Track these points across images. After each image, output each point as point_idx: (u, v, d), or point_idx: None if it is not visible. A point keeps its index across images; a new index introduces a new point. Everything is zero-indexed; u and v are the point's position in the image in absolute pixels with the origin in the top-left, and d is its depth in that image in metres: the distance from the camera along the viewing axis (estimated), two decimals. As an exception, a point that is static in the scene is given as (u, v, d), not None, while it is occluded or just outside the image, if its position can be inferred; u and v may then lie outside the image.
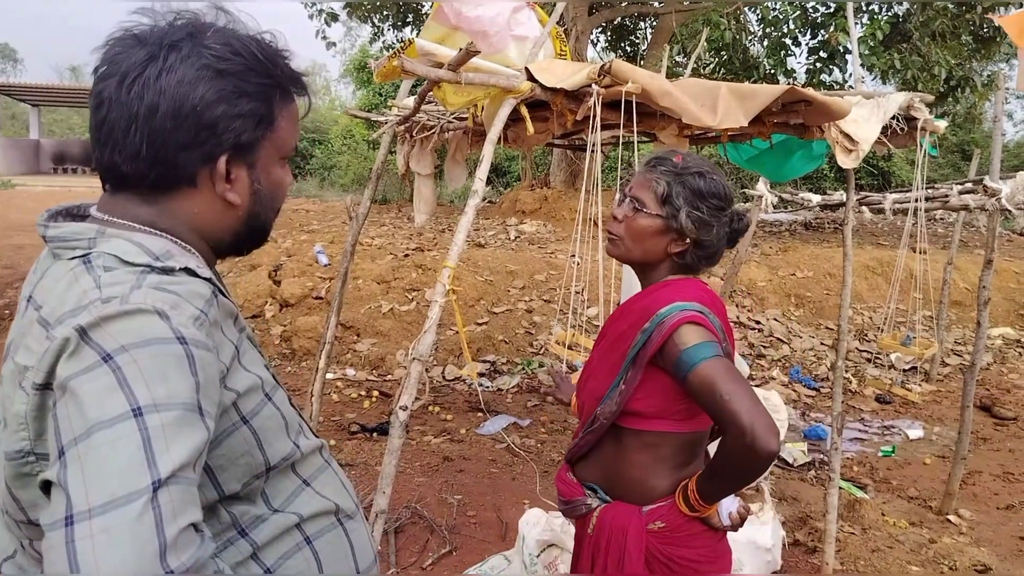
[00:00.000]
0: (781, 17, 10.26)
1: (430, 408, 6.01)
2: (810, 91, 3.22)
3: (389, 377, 6.82)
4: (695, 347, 1.59)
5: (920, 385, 7.01)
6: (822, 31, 9.97)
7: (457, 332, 7.35)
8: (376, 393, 6.30)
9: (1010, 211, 4.07)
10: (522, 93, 3.14)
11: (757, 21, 10.76)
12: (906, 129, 3.66)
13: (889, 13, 9.31)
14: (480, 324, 7.54)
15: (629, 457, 1.76)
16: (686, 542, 1.74)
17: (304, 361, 7.06)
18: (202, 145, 1.02)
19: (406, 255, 8.92)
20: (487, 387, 6.56)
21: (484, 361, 7.04)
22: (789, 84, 3.56)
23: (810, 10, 10.19)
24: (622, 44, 15.99)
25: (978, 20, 10.66)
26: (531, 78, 3.16)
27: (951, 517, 4.42)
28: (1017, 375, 7.59)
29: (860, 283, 9.16)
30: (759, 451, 1.47)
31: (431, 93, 3.59)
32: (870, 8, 9.53)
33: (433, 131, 4.45)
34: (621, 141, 3.04)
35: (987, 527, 4.36)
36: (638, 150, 3.01)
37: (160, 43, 1.01)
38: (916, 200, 3.69)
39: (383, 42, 16.33)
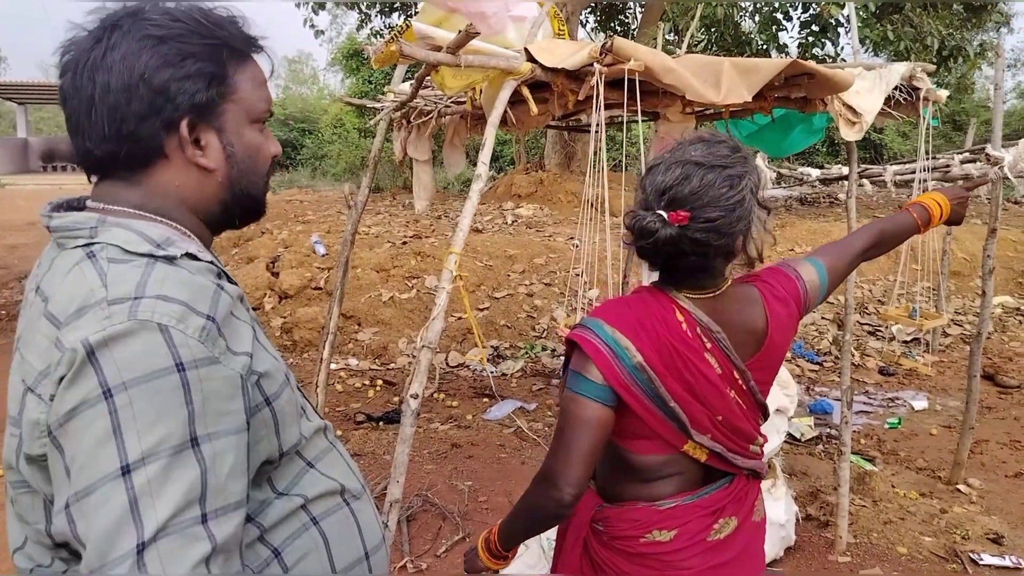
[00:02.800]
0: (773, -9, 10.18)
1: (435, 395, 6.00)
2: (813, 64, 3.19)
3: (392, 366, 6.80)
4: (574, 374, 1.53)
5: (923, 356, 7.02)
6: (814, 4, 9.89)
7: (460, 318, 7.34)
8: (380, 382, 6.28)
9: (1011, 179, 4.05)
10: (522, 75, 3.10)
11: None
12: (909, 99, 3.64)
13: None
14: (482, 310, 7.52)
15: (601, 453, 1.61)
16: (623, 551, 1.63)
17: (306, 352, 7.04)
18: (159, 112, 1.04)
19: (404, 243, 8.89)
20: (492, 372, 6.55)
21: (487, 346, 7.02)
22: (786, 58, 3.53)
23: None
24: (612, 24, 15.90)
25: (969, -12, 10.62)
26: (531, 59, 3.12)
27: (960, 487, 4.43)
28: (1018, 343, 7.60)
29: (859, 256, 9.15)
30: (547, 492, 1.51)
31: (429, 78, 3.55)
32: (862, -21, 9.46)
33: (431, 116, 4.41)
34: (625, 121, 3.01)
35: (997, 496, 4.37)
36: (643, 129, 2.99)
37: (102, 26, 1.04)
38: (920, 171, 3.66)
39: (371, 29, 16.19)
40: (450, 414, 5.57)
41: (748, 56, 9.88)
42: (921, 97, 3.61)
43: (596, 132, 3.02)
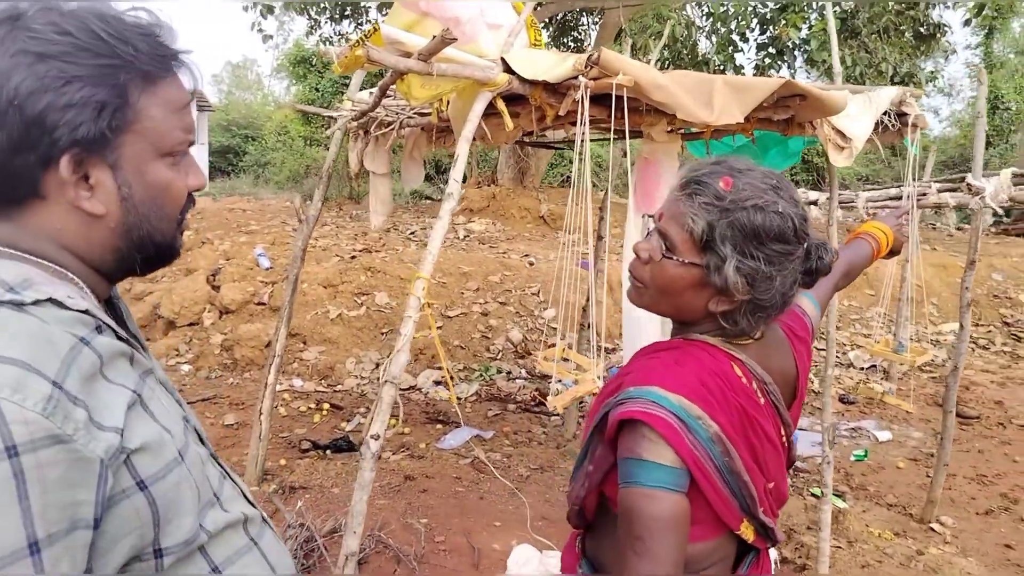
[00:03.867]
0: (729, 12, 10.15)
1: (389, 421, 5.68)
2: (806, 85, 3.02)
3: (339, 387, 6.46)
4: (635, 462, 1.19)
5: (882, 384, 6.95)
6: (771, 27, 9.90)
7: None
8: (327, 406, 5.93)
9: (994, 209, 3.95)
10: (499, 86, 2.86)
11: (705, 16, 10.65)
12: (896, 125, 3.50)
13: (838, 9, 9.27)
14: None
15: (613, 543, 1.32)
16: None
17: (247, 372, 6.65)
18: (35, 146, 0.85)
19: (353, 257, 8.54)
20: (443, 399, 6.25)
21: (439, 368, 6.72)
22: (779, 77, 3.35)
23: (759, 5, 10.12)
24: (564, 39, 15.78)
25: (920, 17, 10.76)
26: (508, 70, 2.88)
27: (934, 525, 4.30)
28: (973, 371, 7.61)
29: (813, 280, 9.12)
30: None
31: (393, 86, 3.28)
32: (820, 5, 9.49)
33: (392, 127, 4.13)
34: (613, 139, 2.77)
35: (970, 535, 4.25)
36: (629, 149, 2.77)
37: None
38: (906, 198, 3.51)
39: (320, 35, 15.81)
40: (402, 442, 5.26)
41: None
42: (910, 123, 3.46)
43: (580, 150, 2.78)
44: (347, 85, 4.46)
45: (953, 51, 13.32)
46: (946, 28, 11.47)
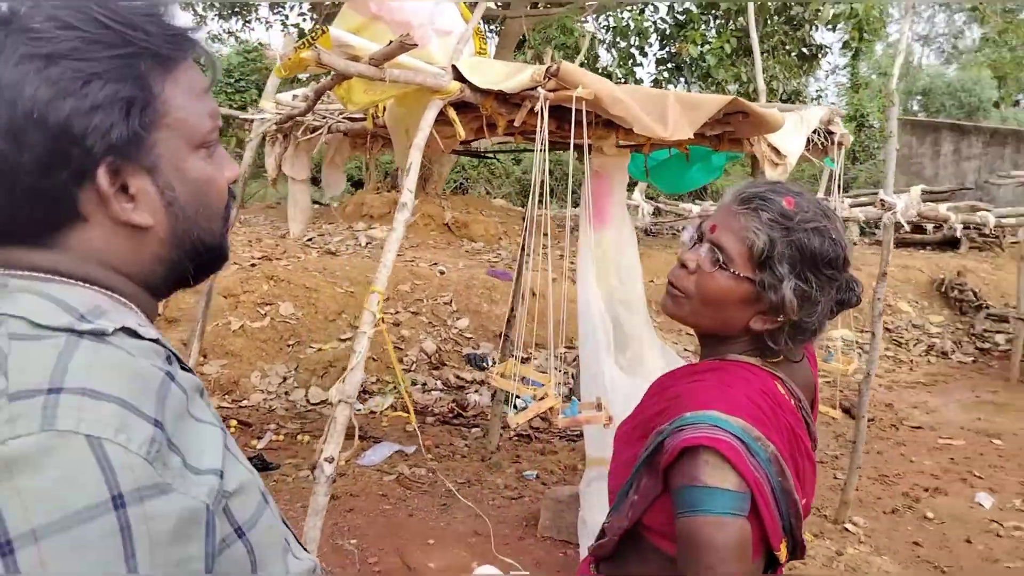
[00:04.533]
0: (630, 27, 10.39)
1: (299, 437, 5.48)
2: (750, 103, 3.09)
3: (245, 403, 6.18)
4: (704, 491, 1.14)
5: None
6: (670, 42, 10.19)
7: (320, 349, 6.82)
8: (234, 422, 5.66)
9: (903, 223, 4.17)
10: (451, 94, 2.80)
11: (606, 30, 10.86)
12: (825, 143, 3.64)
13: (734, 27, 9.65)
14: (344, 340, 7.02)
15: (642, 569, 1.32)
16: None
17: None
18: (66, 160, 0.74)
19: (253, 264, 8.20)
20: (359, 409, 6.08)
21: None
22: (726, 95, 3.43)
23: (658, 21, 10.42)
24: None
25: (805, 38, 11.33)
26: (459, 77, 2.82)
27: (848, 526, 4.49)
28: (862, 376, 8.02)
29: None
30: None
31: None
32: (718, 23, 9.85)
33: (319, 132, 3.98)
34: (572, 153, 2.75)
35: (881, 534, 4.45)
36: (588, 162, 2.75)
37: None
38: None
39: (208, 32, 15.25)
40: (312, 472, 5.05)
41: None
42: (836, 141, 3.61)
43: (540, 161, 2.74)
44: (232, 85, 4.27)
45: (834, 70, 14.12)
46: (827, 49, 12.14)
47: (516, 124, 2.87)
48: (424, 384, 6.60)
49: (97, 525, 0.62)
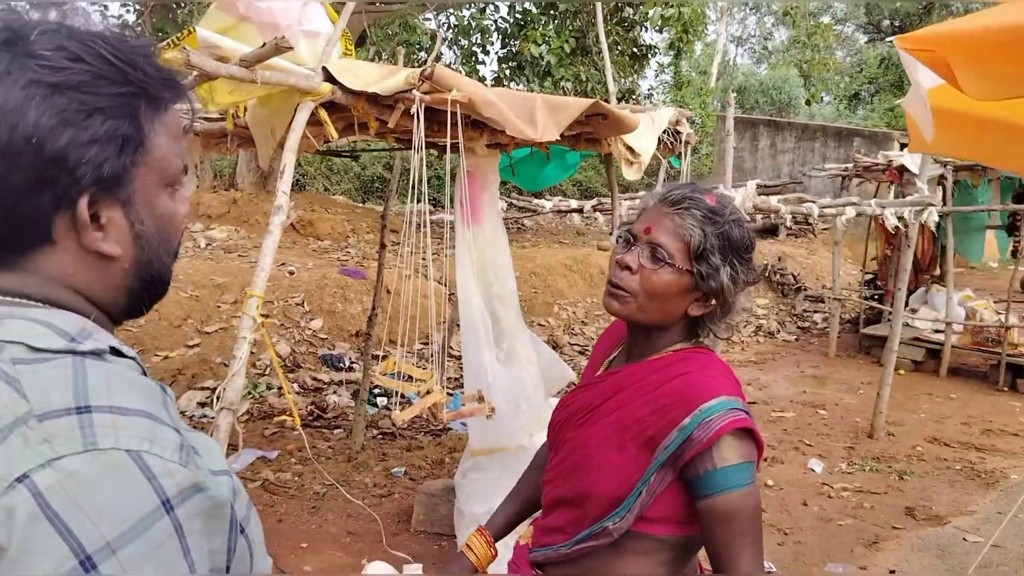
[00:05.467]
0: (472, 25, 10.54)
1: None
2: (609, 106, 3.27)
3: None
4: (734, 468, 1.32)
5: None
6: (511, 41, 10.42)
7: (166, 357, 6.52)
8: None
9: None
10: (322, 95, 2.80)
11: (447, 28, 10.96)
12: (673, 142, 3.90)
13: (571, 28, 10.00)
14: (192, 347, 6.74)
15: (627, 562, 1.44)
16: None
17: None
18: (52, 186, 0.77)
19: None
20: (209, 418, 5.87)
21: (203, 388, 6.29)
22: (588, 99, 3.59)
23: (499, 20, 10.62)
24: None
25: (636, 38, 11.91)
26: (330, 79, 2.82)
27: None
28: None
29: (559, 280, 9.76)
30: None
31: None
32: (556, 23, 10.17)
33: (173, 133, 3.82)
34: (449, 154, 2.82)
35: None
36: (464, 162, 2.81)
37: None
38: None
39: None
40: (177, 471, 4.87)
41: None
42: (683, 140, 3.88)
43: (417, 161, 2.79)
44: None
45: (663, 69, 14.92)
46: (656, 49, 12.80)
47: (391, 125, 2.90)
48: (279, 388, 6.46)
49: (158, 528, 0.68)
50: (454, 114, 2.74)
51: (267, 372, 6.69)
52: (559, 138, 3.64)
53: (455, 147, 2.86)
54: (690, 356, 1.47)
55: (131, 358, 0.82)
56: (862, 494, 5.00)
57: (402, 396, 2.82)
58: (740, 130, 17.44)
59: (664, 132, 3.82)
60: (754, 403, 7.12)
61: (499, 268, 3.23)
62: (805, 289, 11.29)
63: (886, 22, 24.96)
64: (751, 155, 17.20)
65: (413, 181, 2.75)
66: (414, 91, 2.75)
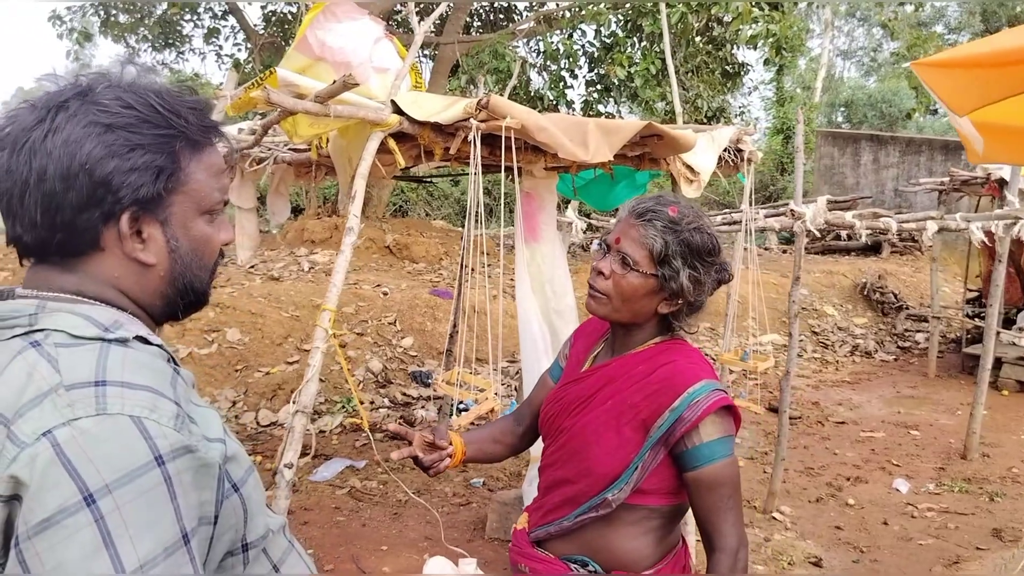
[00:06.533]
0: (560, 51, 10.77)
1: (251, 458, 5.60)
2: (663, 127, 3.39)
3: (196, 427, 6.26)
4: (718, 442, 1.54)
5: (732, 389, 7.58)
6: (599, 65, 10.59)
7: (268, 373, 6.94)
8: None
9: (813, 231, 4.54)
10: (390, 126, 3.04)
11: (537, 54, 11.23)
12: (735, 159, 3.98)
13: (658, 50, 10.08)
14: (291, 363, 7.16)
15: (620, 530, 1.64)
16: None
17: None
18: (100, 204, 0.97)
19: (197, 293, 8.27)
20: (308, 430, 6.22)
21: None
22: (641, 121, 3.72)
23: (586, 45, 10.82)
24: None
25: (727, 57, 11.86)
26: (397, 111, 3.06)
27: (775, 515, 4.81)
28: (790, 376, 8.44)
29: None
30: (747, 553, 1.57)
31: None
32: (643, 45, 10.28)
33: (265, 163, 4.18)
34: (504, 176, 3.01)
35: (806, 520, 4.79)
36: (519, 184, 3.01)
37: (48, 106, 0.98)
38: (745, 223, 3.99)
39: (141, 64, 15.12)
40: (273, 478, 5.20)
41: (541, 110, 10.35)
42: (745, 158, 3.95)
43: (474, 184, 3.00)
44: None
45: (755, 88, 14.76)
46: (748, 67, 12.70)
47: (452, 152, 3.12)
48: (372, 402, 6.78)
49: (148, 477, 0.86)
50: (508, 139, 2.93)
51: (360, 387, 7.02)
52: (624, 158, 3.81)
53: (511, 169, 3.05)
54: (670, 347, 1.67)
55: (158, 346, 1.02)
56: (948, 515, 4.87)
57: (461, 403, 3.01)
58: (841, 145, 17.02)
59: (726, 150, 3.90)
60: (842, 423, 6.98)
61: (557, 284, 3.38)
62: (907, 308, 10.92)
63: (1005, 28, 23.86)
64: (852, 171, 16.74)
65: (469, 204, 2.95)
66: (472, 120, 2.96)
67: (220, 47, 15.32)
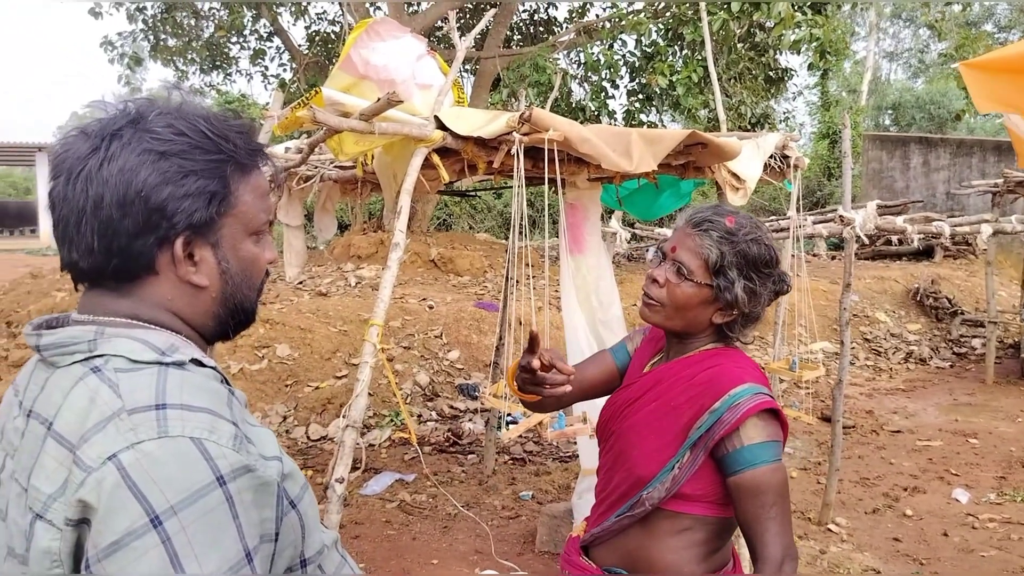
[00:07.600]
0: (601, 61, 10.77)
1: (303, 472, 5.67)
2: (707, 135, 3.37)
3: (248, 442, 6.36)
4: (760, 446, 1.50)
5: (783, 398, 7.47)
6: (640, 75, 10.56)
7: (317, 388, 7.02)
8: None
9: (862, 237, 4.46)
10: (434, 142, 3.08)
11: (577, 65, 11.23)
12: (781, 166, 3.93)
13: (699, 58, 10.02)
14: (340, 378, 7.24)
15: (661, 541, 1.60)
16: None
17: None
18: (154, 230, 0.99)
19: (247, 310, 8.41)
20: (357, 444, 6.27)
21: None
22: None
23: (627, 55, 10.80)
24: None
25: (770, 63, 11.73)
26: (441, 126, 3.09)
27: (831, 526, 4.71)
28: (844, 384, 8.28)
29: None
30: (794, 567, 1.48)
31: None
32: (684, 53, 10.24)
33: (312, 181, 4.24)
34: (548, 188, 3.02)
35: (863, 532, 4.68)
36: (562, 195, 3.02)
37: (102, 134, 0.99)
38: (793, 229, 3.94)
39: (189, 86, 15.53)
40: (325, 493, 5.26)
41: (582, 121, 10.35)
42: (792, 164, 3.90)
43: (517, 196, 3.01)
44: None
45: (799, 92, 14.59)
46: (792, 72, 12.55)
47: (495, 165, 3.13)
48: (420, 415, 6.81)
49: (211, 497, 0.87)
50: (551, 151, 2.94)
51: (408, 400, 7.07)
52: (668, 167, 3.79)
53: (555, 181, 3.05)
54: (720, 352, 1.66)
55: (212, 368, 1.03)
56: (1011, 525, 4.73)
57: (509, 415, 3.02)
58: (889, 148, 16.71)
59: (771, 157, 3.86)
60: (898, 432, 6.83)
61: (603, 294, 3.38)
62: (962, 313, 10.64)
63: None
64: (902, 174, 16.42)
65: (513, 216, 2.96)
66: (514, 133, 2.97)
67: (266, 68, 15.64)
